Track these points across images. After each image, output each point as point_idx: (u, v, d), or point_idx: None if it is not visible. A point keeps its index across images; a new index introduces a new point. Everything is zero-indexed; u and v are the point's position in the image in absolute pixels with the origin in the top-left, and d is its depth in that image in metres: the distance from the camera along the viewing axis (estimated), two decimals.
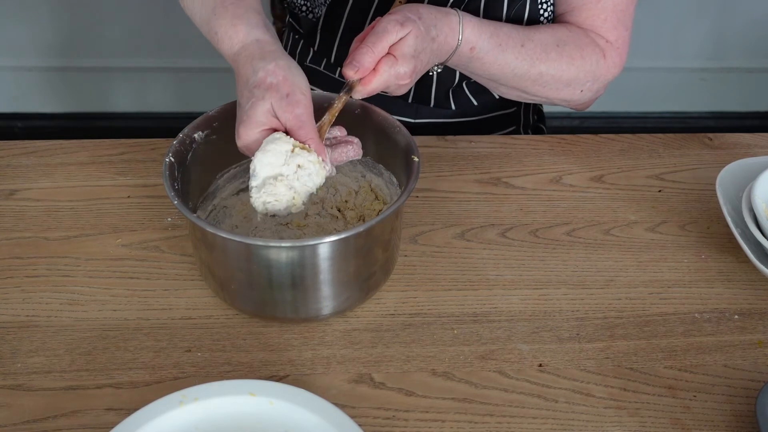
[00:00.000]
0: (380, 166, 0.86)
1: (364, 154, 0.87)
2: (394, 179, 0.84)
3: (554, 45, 0.94)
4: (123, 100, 2.31)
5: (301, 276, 0.73)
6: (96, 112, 2.33)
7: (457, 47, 0.87)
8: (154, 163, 0.97)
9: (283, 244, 0.71)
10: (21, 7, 2.12)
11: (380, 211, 0.85)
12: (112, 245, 0.87)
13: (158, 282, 0.83)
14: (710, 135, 1.05)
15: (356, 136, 0.79)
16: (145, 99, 2.31)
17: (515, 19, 1.00)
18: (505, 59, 0.91)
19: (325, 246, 0.72)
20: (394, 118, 0.83)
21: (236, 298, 0.77)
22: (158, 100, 2.31)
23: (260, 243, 0.74)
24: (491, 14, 0.99)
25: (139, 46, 2.16)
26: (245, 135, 0.74)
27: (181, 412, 0.66)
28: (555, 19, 1.02)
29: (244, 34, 0.78)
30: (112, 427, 0.65)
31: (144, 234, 0.88)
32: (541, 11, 1.00)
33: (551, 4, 1.01)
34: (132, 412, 0.66)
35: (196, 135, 0.81)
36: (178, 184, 0.76)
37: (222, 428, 0.67)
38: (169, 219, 0.90)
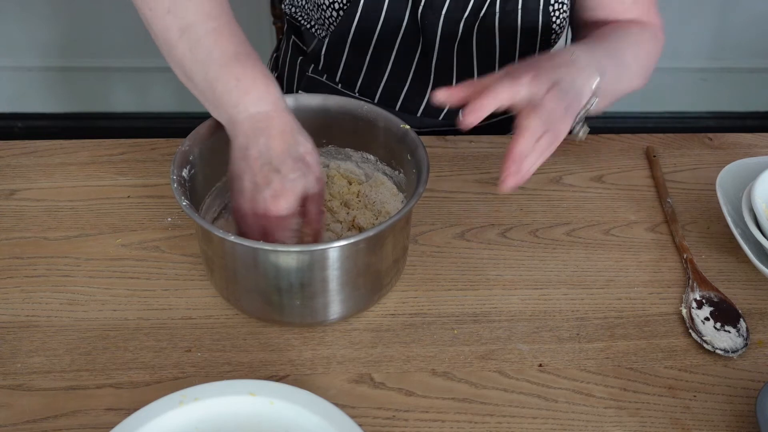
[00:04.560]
0: (346, 149, 0.87)
1: (325, 144, 0.87)
2: (370, 156, 0.85)
3: (624, 33, 0.94)
4: (123, 100, 2.31)
5: (309, 280, 0.72)
6: (96, 112, 2.33)
7: (573, 53, 0.82)
8: (154, 163, 0.97)
9: (292, 249, 0.70)
10: (21, 7, 2.13)
11: (359, 193, 0.86)
12: (112, 245, 0.87)
13: (158, 282, 0.83)
14: (710, 135, 1.05)
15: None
16: (145, 99, 2.31)
17: (530, 23, 1.00)
18: (606, 49, 0.89)
19: (335, 250, 0.70)
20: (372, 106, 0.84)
21: (244, 303, 0.77)
22: (158, 100, 2.31)
23: (268, 248, 0.71)
24: (506, 29, 1.00)
25: (139, 46, 2.16)
26: (286, 204, 0.73)
27: (181, 412, 0.66)
28: (592, 25, 1.01)
29: (276, 96, 0.76)
30: (112, 427, 0.65)
31: (144, 234, 0.88)
32: (554, 18, 1.01)
33: (564, 12, 1.01)
34: (132, 412, 0.66)
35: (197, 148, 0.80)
36: (186, 183, 0.75)
37: (222, 428, 0.67)
38: (169, 219, 0.90)
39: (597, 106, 0.82)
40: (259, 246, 0.70)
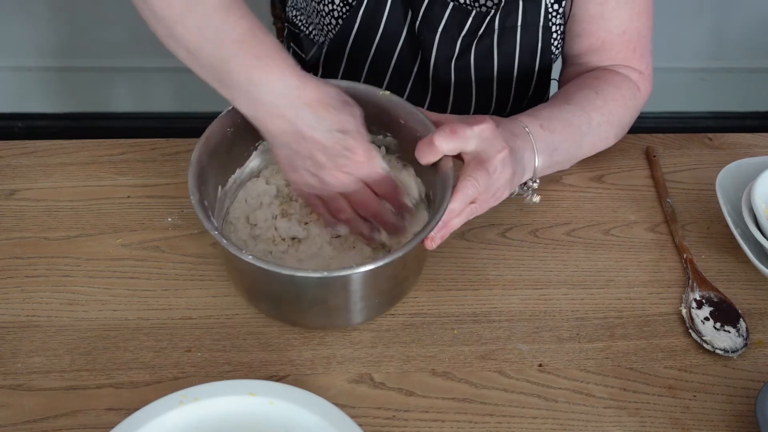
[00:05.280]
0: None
1: None
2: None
3: (593, 93, 0.92)
4: (123, 100, 2.31)
5: (333, 297, 0.73)
6: (96, 112, 2.33)
7: (526, 126, 0.84)
8: (154, 163, 0.97)
9: (312, 275, 0.68)
10: (21, 7, 2.12)
11: None
12: (112, 245, 0.87)
13: (158, 282, 0.83)
14: (710, 135, 1.05)
15: None
16: (145, 99, 2.31)
17: (529, 41, 1.00)
18: (566, 118, 0.88)
19: (358, 275, 0.70)
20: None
21: (266, 310, 0.78)
22: (158, 100, 2.31)
23: (287, 272, 0.69)
24: (505, 46, 0.99)
25: (139, 46, 2.16)
26: (378, 160, 0.75)
27: (181, 412, 0.66)
28: (577, 57, 1.00)
29: (297, 66, 0.73)
30: (112, 427, 0.65)
31: (144, 234, 0.88)
32: (553, 41, 1.00)
33: (563, 33, 1.00)
34: (132, 412, 0.66)
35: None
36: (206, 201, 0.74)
37: (222, 428, 0.67)
38: (169, 219, 0.90)
39: (540, 183, 0.86)
40: (282, 271, 0.68)
